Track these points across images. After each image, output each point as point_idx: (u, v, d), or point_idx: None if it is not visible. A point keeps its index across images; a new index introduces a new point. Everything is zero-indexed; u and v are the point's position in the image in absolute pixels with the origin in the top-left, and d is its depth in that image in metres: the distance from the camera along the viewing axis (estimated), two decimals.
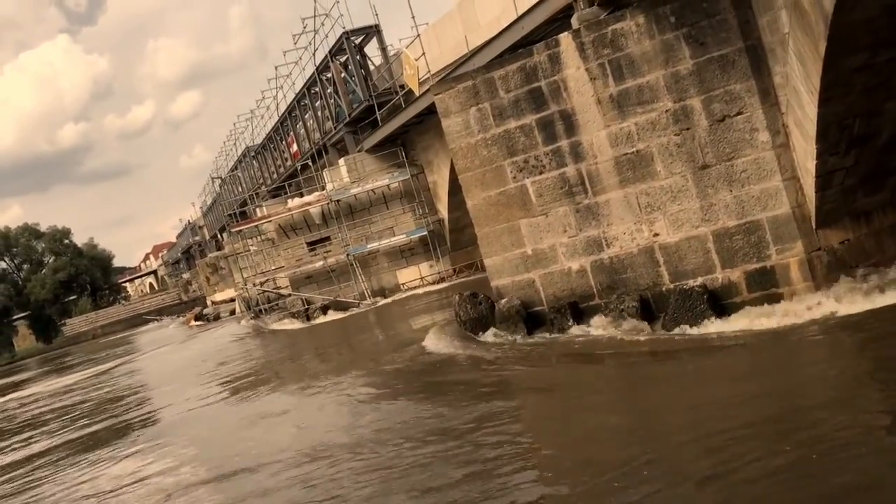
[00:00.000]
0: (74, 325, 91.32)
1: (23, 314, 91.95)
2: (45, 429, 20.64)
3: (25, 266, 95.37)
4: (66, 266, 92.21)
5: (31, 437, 19.70)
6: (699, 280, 12.08)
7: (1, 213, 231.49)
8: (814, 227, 11.40)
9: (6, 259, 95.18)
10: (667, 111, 11.99)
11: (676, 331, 11.79)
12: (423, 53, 23.48)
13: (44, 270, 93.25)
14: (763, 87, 11.40)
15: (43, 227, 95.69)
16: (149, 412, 18.64)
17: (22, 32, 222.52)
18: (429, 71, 23.28)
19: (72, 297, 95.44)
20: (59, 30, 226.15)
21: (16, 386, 42.09)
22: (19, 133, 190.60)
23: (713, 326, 11.53)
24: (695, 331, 11.61)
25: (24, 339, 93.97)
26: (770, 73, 11.36)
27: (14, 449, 18.67)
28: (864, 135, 10.62)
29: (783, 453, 6.87)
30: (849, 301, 10.77)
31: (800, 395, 8.45)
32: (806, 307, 11.06)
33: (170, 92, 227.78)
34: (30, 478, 14.40)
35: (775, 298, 11.57)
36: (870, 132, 10.64)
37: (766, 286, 11.69)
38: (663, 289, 12.40)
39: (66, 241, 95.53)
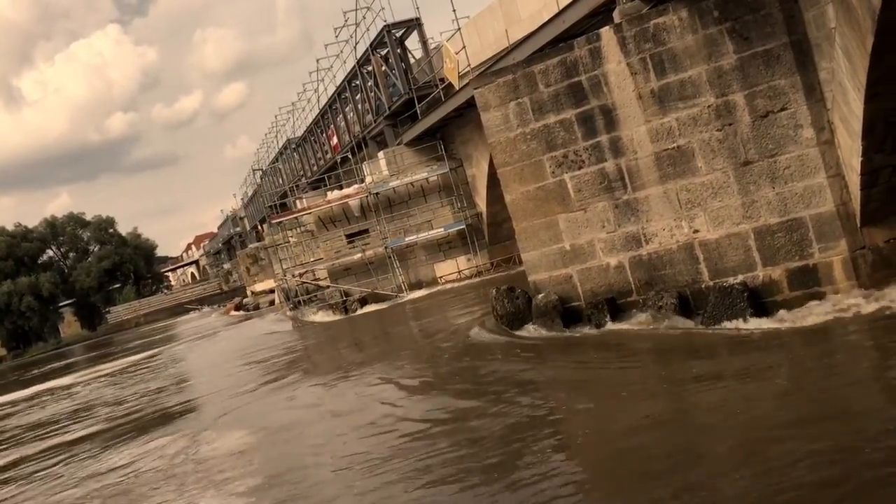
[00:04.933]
0: (118, 313, 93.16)
1: (68, 301, 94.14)
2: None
3: (71, 254, 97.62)
4: (110, 255, 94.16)
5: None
6: (739, 278, 11.96)
7: (50, 201, 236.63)
8: (858, 225, 11.22)
9: (53, 247, 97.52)
10: (709, 106, 11.88)
11: (715, 328, 11.69)
12: (464, 47, 23.48)
13: (89, 259, 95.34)
14: (808, 83, 11.24)
15: (88, 216, 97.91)
16: (192, 398, 19.02)
17: (74, 22, 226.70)
18: (469, 64, 23.26)
19: (116, 286, 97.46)
20: (111, 20, 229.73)
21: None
22: (69, 122, 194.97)
23: (753, 324, 11.41)
24: (734, 328, 11.51)
25: (70, 325, 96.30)
26: (815, 68, 11.19)
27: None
28: None
29: (822, 450, 6.82)
30: (894, 300, 10.58)
31: (841, 393, 8.34)
32: (849, 306, 10.89)
33: (216, 83, 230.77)
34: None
35: (818, 297, 11.42)
36: None
37: (809, 285, 11.54)
38: (702, 286, 12.30)
39: (111, 231, 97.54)
